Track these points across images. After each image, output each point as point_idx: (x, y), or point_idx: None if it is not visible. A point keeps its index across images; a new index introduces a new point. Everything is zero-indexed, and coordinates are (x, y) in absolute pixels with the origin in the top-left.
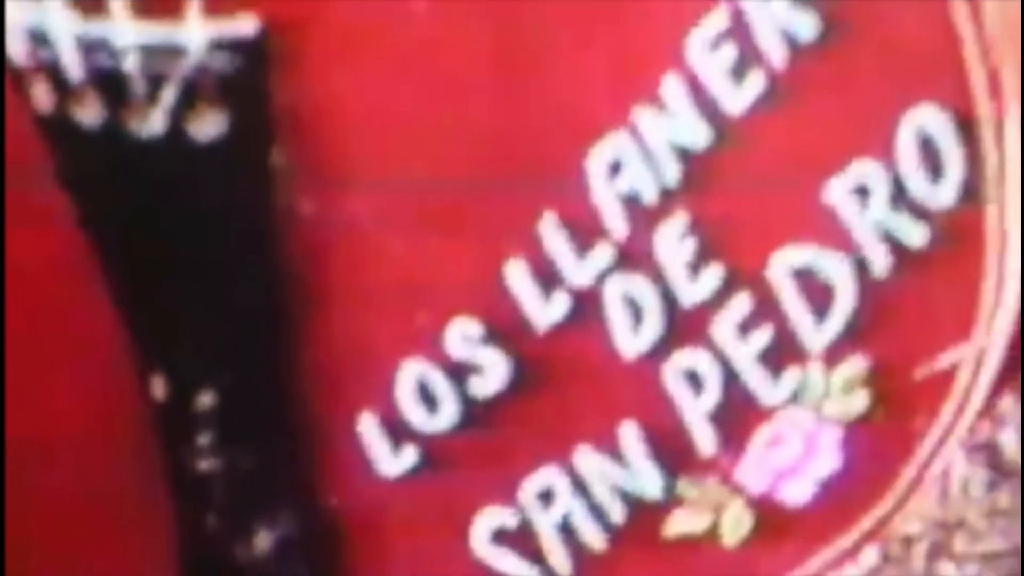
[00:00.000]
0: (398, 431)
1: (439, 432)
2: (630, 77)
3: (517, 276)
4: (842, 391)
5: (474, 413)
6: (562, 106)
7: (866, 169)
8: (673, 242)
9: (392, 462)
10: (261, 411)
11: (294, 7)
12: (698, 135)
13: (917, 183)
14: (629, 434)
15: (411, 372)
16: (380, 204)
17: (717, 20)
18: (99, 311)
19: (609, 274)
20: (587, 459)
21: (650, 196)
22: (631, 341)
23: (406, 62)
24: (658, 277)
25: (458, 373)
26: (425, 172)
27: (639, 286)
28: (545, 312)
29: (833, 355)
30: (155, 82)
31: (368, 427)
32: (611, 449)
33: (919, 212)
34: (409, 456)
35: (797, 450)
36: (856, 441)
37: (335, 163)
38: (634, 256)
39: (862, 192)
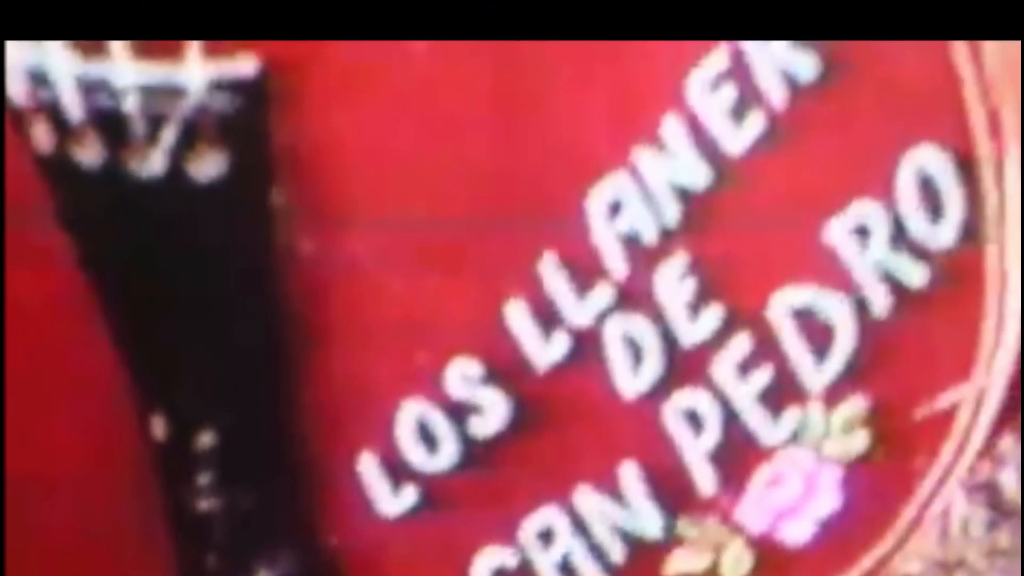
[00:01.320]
0: (398, 471)
1: (439, 472)
2: (630, 117)
3: (517, 316)
4: (842, 431)
5: (474, 453)
6: (562, 146)
7: (866, 209)
8: (673, 282)
9: (392, 502)
10: (261, 451)
11: (294, 47)
12: (698, 175)
13: (917, 223)
14: (629, 474)
15: (411, 412)
16: (380, 243)
17: (717, 60)
18: (99, 351)
19: (609, 314)
20: (587, 499)
21: (650, 236)
22: (631, 381)
23: (405, 102)
24: (658, 317)
25: (458, 413)
26: (425, 211)
27: (639, 326)
28: (545, 352)
29: (833, 395)
30: (155, 122)
31: (368, 467)
32: (611, 489)
33: (919, 252)
34: (409, 496)
35: (797, 490)
36: (856, 481)
37: (335, 202)
38: (634, 296)
39: (862, 232)
